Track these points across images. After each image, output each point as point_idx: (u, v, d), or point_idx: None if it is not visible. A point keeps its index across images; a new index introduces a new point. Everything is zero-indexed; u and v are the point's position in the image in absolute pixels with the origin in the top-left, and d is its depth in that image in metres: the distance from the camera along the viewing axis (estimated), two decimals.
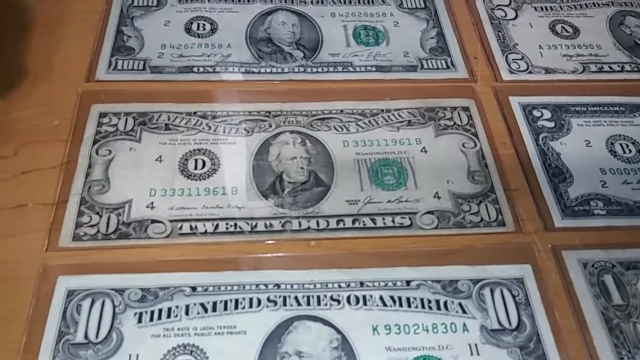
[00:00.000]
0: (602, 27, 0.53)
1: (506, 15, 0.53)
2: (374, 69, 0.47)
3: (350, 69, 0.47)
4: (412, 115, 0.44)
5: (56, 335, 0.32)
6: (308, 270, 0.36)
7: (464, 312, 0.35)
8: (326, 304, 0.34)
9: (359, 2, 0.52)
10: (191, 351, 0.32)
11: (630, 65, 0.50)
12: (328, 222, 0.38)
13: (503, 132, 0.44)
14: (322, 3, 0.52)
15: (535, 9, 0.54)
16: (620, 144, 0.44)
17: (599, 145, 0.44)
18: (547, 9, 0.54)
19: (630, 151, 0.44)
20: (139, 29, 0.47)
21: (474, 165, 0.41)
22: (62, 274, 0.34)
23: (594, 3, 0.55)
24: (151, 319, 0.33)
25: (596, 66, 0.49)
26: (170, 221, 0.37)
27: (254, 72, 0.46)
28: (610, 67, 0.49)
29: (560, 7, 0.55)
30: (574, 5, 0.55)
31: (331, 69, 0.47)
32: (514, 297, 0.35)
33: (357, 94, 0.45)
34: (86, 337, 0.32)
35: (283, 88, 0.45)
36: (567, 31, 0.52)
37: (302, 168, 0.40)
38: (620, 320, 0.35)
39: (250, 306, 0.34)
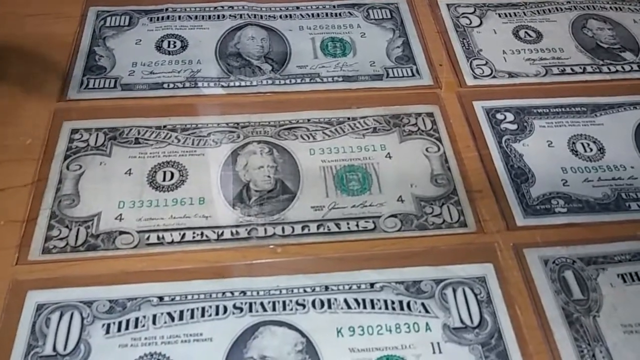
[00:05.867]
0: (564, 31, 0.54)
1: (471, 22, 0.55)
2: (340, 79, 0.48)
3: (318, 79, 0.48)
4: (378, 123, 0.45)
5: (25, 348, 0.33)
6: (274, 276, 0.37)
7: (427, 311, 0.35)
8: (291, 309, 0.35)
9: (327, 15, 0.54)
10: (158, 359, 0.33)
11: (591, 67, 0.51)
12: (293, 228, 0.39)
13: (466, 136, 0.45)
14: (290, 17, 0.53)
15: (500, 16, 0.56)
16: (582, 143, 0.45)
17: (560, 145, 0.45)
18: (510, 15, 0.56)
19: (591, 150, 0.45)
20: (111, 49, 0.49)
21: (437, 168, 0.42)
22: (31, 289, 0.35)
23: (556, 8, 0.57)
24: (119, 330, 0.34)
25: (558, 69, 0.51)
26: (138, 232, 0.38)
27: (223, 86, 0.47)
28: (572, 69, 0.51)
29: (524, 12, 0.56)
30: (537, 11, 0.56)
31: (299, 80, 0.48)
32: (475, 295, 0.36)
33: (324, 103, 0.46)
34: (54, 349, 0.33)
35: (251, 100, 0.46)
36: (530, 36, 0.54)
37: (268, 177, 0.41)
38: (580, 314, 0.36)
39: (217, 313, 0.35)
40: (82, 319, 0.34)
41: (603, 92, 0.49)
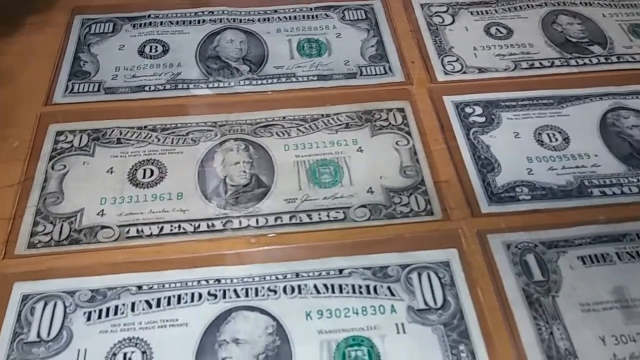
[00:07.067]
0: (534, 27, 0.56)
1: (443, 21, 0.57)
2: (315, 78, 0.50)
3: (293, 79, 0.50)
4: (350, 119, 0.47)
5: (11, 335, 0.35)
6: (247, 265, 0.38)
7: (392, 294, 0.37)
8: (263, 295, 0.37)
9: (304, 17, 0.56)
10: (136, 343, 0.35)
11: (559, 60, 0.53)
12: (267, 219, 0.40)
13: (436, 129, 0.47)
14: (268, 20, 0.56)
15: (472, 13, 0.58)
16: (547, 134, 0.47)
17: (527, 136, 0.47)
18: (482, 13, 0.58)
19: (556, 140, 0.46)
20: (95, 54, 0.51)
21: (406, 161, 0.44)
22: (17, 281, 0.37)
23: (528, 5, 0.59)
24: (99, 317, 0.36)
25: (527, 63, 0.52)
26: (119, 226, 0.40)
27: (202, 88, 0.49)
28: (540, 63, 0.52)
29: (496, 10, 0.58)
30: (509, 8, 0.58)
31: (275, 80, 0.50)
32: (439, 278, 0.38)
33: (299, 101, 0.48)
34: (38, 335, 0.35)
35: (229, 100, 0.48)
36: (501, 32, 0.55)
37: (244, 172, 0.43)
38: (540, 294, 0.37)
39: (192, 300, 0.37)
40: (65, 307, 0.36)
41: (571, 84, 0.51)
